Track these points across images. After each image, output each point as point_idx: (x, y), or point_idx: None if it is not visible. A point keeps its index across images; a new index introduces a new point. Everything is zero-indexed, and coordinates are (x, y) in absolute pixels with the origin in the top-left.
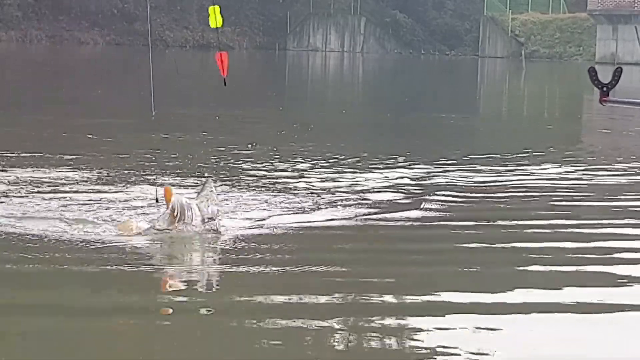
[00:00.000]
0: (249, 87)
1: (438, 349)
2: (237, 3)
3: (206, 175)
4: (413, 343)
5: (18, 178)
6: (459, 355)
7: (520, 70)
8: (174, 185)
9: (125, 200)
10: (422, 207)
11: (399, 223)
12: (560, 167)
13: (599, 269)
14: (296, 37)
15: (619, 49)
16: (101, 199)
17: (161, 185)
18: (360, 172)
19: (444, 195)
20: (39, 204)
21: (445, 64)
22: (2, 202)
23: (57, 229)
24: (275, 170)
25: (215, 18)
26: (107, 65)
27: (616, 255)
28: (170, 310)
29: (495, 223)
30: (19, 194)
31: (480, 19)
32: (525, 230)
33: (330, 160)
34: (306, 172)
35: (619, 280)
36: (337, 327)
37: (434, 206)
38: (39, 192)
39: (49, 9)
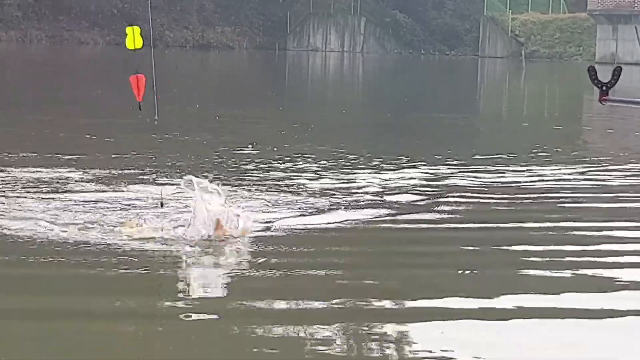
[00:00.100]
0: (249, 87)
1: (437, 354)
2: (237, 3)
3: (185, 176)
4: (412, 348)
5: (17, 178)
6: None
7: (520, 70)
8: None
9: (126, 201)
10: (425, 208)
11: (402, 225)
12: (565, 168)
13: (603, 273)
14: (296, 37)
15: (619, 49)
16: (101, 199)
17: (162, 185)
18: (361, 173)
19: (448, 196)
20: (38, 205)
21: (445, 64)
22: (1, 203)
23: (56, 230)
24: (277, 171)
25: (133, 39)
26: (107, 65)
27: (621, 258)
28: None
29: (499, 225)
30: (18, 194)
31: (480, 19)
32: (530, 233)
33: (331, 161)
34: (307, 173)
35: (622, 284)
36: (336, 332)
37: (438, 207)
38: (38, 193)
39: (49, 9)
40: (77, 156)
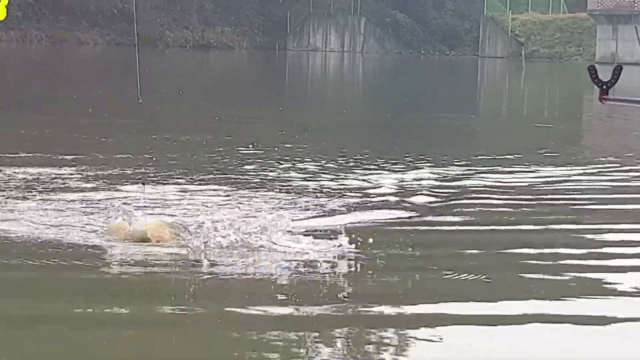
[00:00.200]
0: (248, 87)
1: None
2: (237, 3)
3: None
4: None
5: (17, 178)
6: None
7: (521, 70)
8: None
9: (126, 201)
10: (429, 210)
11: (404, 227)
12: (566, 169)
13: (605, 278)
14: (296, 37)
15: (619, 49)
16: (102, 199)
17: (142, 183)
18: (362, 173)
19: (450, 197)
20: (38, 205)
21: (445, 64)
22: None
23: (55, 231)
24: (278, 171)
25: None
26: (107, 65)
27: (623, 262)
28: None
29: (501, 227)
30: (18, 195)
31: (480, 19)
32: (533, 235)
33: (332, 161)
34: (309, 173)
35: (623, 289)
36: (335, 336)
37: (441, 209)
38: (38, 193)
39: (49, 9)
40: (77, 156)
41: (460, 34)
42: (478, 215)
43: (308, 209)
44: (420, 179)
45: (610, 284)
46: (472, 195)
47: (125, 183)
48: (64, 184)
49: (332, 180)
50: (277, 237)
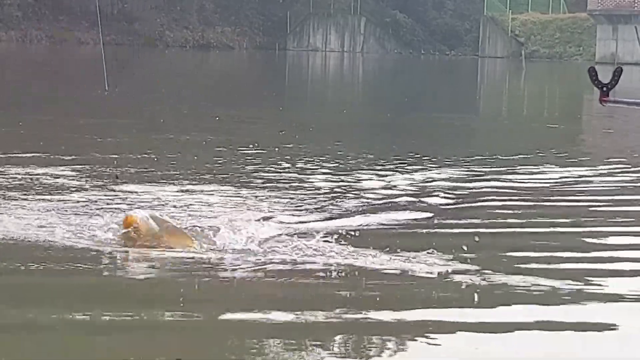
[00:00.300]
0: (248, 87)
1: None
2: (237, 3)
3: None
4: None
5: (17, 178)
6: None
7: (521, 71)
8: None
9: (127, 201)
10: (432, 211)
11: (405, 229)
12: (567, 169)
13: (606, 282)
14: (296, 37)
15: (619, 49)
16: (102, 200)
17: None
18: (364, 174)
19: (453, 198)
20: (38, 206)
21: (445, 64)
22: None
23: (54, 233)
24: (280, 172)
25: None
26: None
27: (625, 265)
28: None
29: (502, 230)
30: (17, 195)
31: (480, 19)
32: (533, 238)
33: (333, 161)
34: (310, 174)
35: (624, 295)
36: (334, 342)
37: (444, 211)
38: (38, 193)
39: (49, 9)
40: (77, 156)
41: (460, 34)
42: (481, 217)
43: (310, 210)
44: (422, 180)
45: (609, 288)
46: (475, 197)
47: (126, 183)
48: (63, 184)
49: (333, 180)
50: (274, 238)
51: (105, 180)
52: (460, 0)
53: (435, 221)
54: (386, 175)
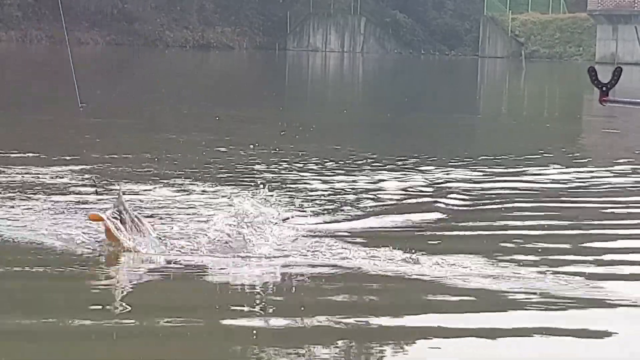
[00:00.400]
0: (248, 88)
1: None
2: (237, 3)
3: (118, 185)
4: None
5: (17, 179)
6: None
7: (521, 71)
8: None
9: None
10: (437, 212)
11: (406, 231)
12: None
13: (607, 286)
14: (296, 37)
15: (619, 49)
16: (101, 200)
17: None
18: (366, 175)
19: (457, 199)
20: (38, 206)
21: (446, 64)
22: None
23: (52, 234)
24: (280, 172)
25: None
26: (107, 65)
27: (626, 269)
28: None
29: (504, 232)
30: (17, 195)
31: (480, 19)
32: (534, 241)
33: (334, 162)
34: (312, 174)
35: (624, 301)
36: (334, 349)
37: (448, 213)
38: (38, 193)
39: (49, 9)
40: (77, 156)
41: (460, 34)
42: (485, 220)
43: (311, 211)
44: (424, 180)
45: (609, 294)
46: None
47: (127, 184)
48: (63, 184)
49: (335, 181)
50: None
51: (105, 181)
52: (460, 0)
53: (437, 223)
54: (389, 176)
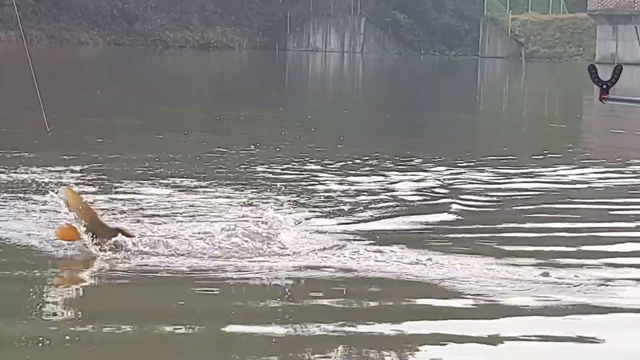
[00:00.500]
0: (248, 87)
1: None
2: (237, 3)
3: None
4: None
5: (17, 179)
6: None
7: (521, 71)
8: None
9: (127, 202)
10: (447, 213)
11: (408, 232)
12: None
13: (607, 291)
14: (296, 37)
15: (619, 49)
16: (101, 200)
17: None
18: (368, 175)
19: (468, 201)
20: (37, 206)
21: (446, 64)
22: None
23: (50, 235)
24: (281, 172)
25: None
26: (107, 66)
27: (627, 274)
28: None
29: (504, 235)
30: (17, 196)
31: (480, 19)
32: (534, 243)
33: (336, 162)
34: (312, 174)
35: (625, 307)
36: (334, 355)
37: (459, 214)
38: (38, 194)
39: (49, 9)
40: (77, 156)
41: (460, 34)
42: (494, 221)
43: (313, 212)
44: (428, 181)
45: (610, 299)
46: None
47: (127, 184)
48: (63, 184)
49: (336, 181)
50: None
51: (105, 181)
52: (460, 1)
53: (447, 225)
54: (395, 176)
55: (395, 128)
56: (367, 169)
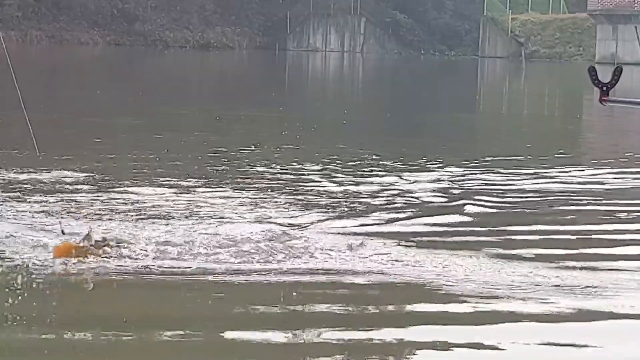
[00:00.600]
0: (248, 88)
1: None
2: (237, 3)
3: None
4: None
5: (16, 179)
6: None
7: (521, 71)
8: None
9: (127, 203)
10: (457, 215)
11: (409, 233)
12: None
13: (609, 294)
14: (296, 37)
15: (619, 49)
16: (100, 201)
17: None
18: (369, 175)
19: (466, 201)
20: (37, 206)
21: (446, 64)
22: None
23: (49, 237)
24: (282, 172)
25: None
26: (107, 66)
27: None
28: None
29: (505, 237)
30: (17, 196)
31: (480, 19)
32: (537, 244)
33: (337, 162)
34: (313, 175)
35: (626, 313)
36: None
37: (450, 212)
38: (37, 194)
39: (49, 9)
40: (77, 156)
41: (460, 34)
42: (503, 223)
43: (314, 212)
44: (430, 181)
45: (610, 304)
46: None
47: (127, 184)
48: (63, 184)
49: (338, 182)
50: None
51: (105, 181)
52: (460, 0)
53: (457, 227)
54: (394, 176)
55: (395, 128)
56: (367, 169)
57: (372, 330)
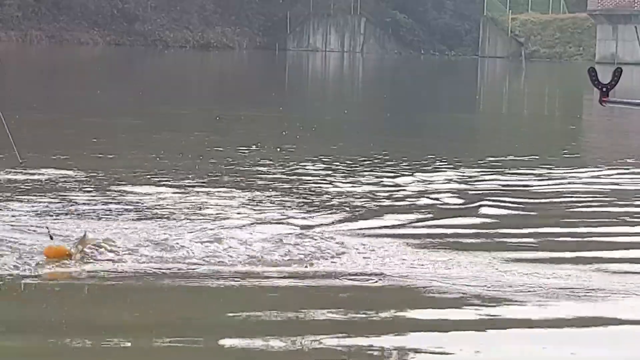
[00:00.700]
0: (249, 87)
1: None
2: (237, 3)
3: None
4: None
5: (16, 180)
6: None
7: (521, 71)
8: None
9: (127, 203)
10: (466, 217)
11: (410, 234)
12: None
13: (610, 297)
14: (296, 37)
15: (619, 49)
16: (100, 201)
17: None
18: (369, 175)
19: (465, 202)
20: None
21: (446, 64)
22: None
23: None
24: (283, 173)
25: None
26: (107, 66)
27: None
28: None
29: (517, 238)
30: (13, 196)
31: (480, 19)
32: (541, 243)
33: (337, 162)
34: (314, 175)
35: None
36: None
37: (452, 212)
38: (37, 193)
39: (49, 9)
40: (77, 156)
41: (460, 34)
42: (490, 220)
43: (315, 214)
44: (427, 181)
45: (611, 310)
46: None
47: (127, 185)
48: (64, 185)
49: (338, 182)
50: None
51: (105, 181)
52: (460, 0)
53: (467, 229)
54: (394, 177)
55: (395, 128)
56: (367, 169)
57: (372, 336)
